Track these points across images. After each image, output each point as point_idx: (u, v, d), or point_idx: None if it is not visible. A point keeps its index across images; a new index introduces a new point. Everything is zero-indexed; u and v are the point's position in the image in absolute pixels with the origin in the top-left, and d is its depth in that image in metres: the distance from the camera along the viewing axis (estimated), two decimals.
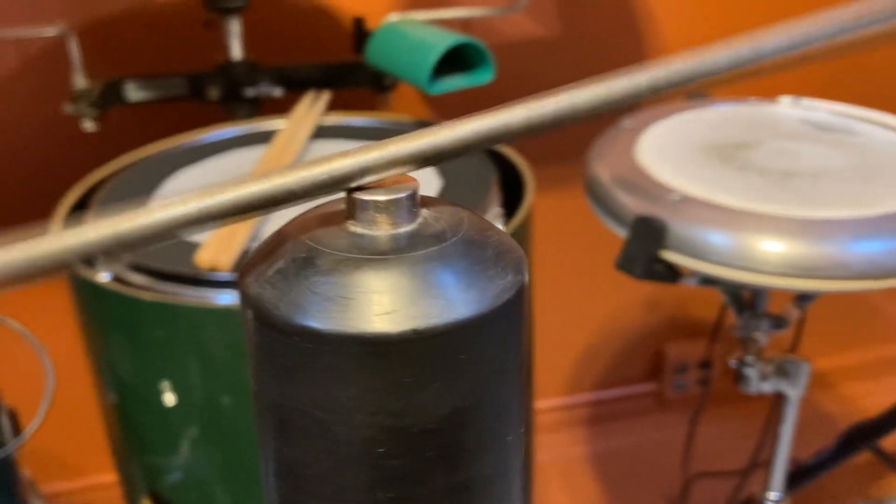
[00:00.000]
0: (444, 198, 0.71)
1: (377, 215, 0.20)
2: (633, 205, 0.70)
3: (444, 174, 0.76)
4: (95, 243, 0.18)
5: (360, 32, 0.92)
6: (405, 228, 0.20)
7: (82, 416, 0.89)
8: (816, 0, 0.32)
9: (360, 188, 0.21)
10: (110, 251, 0.19)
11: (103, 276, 0.63)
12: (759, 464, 1.11)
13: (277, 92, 0.91)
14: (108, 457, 0.77)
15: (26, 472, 0.76)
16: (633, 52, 1.16)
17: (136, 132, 0.88)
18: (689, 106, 0.88)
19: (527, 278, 0.21)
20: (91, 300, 0.65)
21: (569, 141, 1.16)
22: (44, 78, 0.94)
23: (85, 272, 0.63)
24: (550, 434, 1.39)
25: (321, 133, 0.85)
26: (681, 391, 1.44)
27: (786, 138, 0.79)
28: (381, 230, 0.20)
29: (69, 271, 0.66)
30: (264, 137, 0.84)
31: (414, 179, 0.22)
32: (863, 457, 1.35)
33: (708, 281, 0.71)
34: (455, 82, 0.84)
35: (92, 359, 0.69)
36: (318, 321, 0.19)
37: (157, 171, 0.77)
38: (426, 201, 0.22)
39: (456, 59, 0.83)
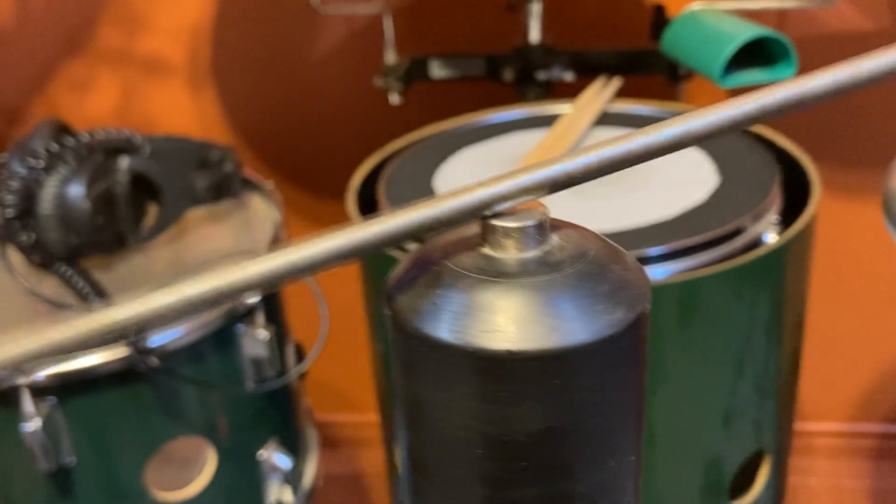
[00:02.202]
0: (714, 198, 0.68)
1: (505, 240, 0.21)
2: None
3: (723, 170, 0.73)
4: (394, 233, 0.21)
5: (659, 20, 0.91)
6: (529, 254, 0.21)
7: (360, 358, 0.99)
8: None
9: (495, 214, 0.22)
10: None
11: None
12: None
13: (569, 76, 0.93)
14: (375, 398, 0.85)
15: (307, 400, 0.86)
16: None
17: (434, 108, 0.95)
18: None
19: (645, 314, 0.21)
20: (372, 260, 0.72)
21: (871, 142, 1.05)
22: (361, 52, 1.04)
23: None
24: (827, 460, 1.29)
25: (606, 120, 0.85)
26: None
27: None
28: (508, 254, 0.21)
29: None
30: (549, 121, 0.86)
31: (543, 206, 0.23)
32: None
33: None
34: (751, 77, 0.80)
35: (367, 310, 0.77)
36: (431, 328, 0.20)
37: (443, 147, 0.82)
38: (560, 227, 0.23)
39: (757, 52, 0.79)
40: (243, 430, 0.68)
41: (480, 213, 0.22)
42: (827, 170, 0.81)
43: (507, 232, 0.22)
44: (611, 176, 0.77)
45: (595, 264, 0.21)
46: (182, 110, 1.12)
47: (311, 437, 0.80)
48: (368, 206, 0.76)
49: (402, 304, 0.21)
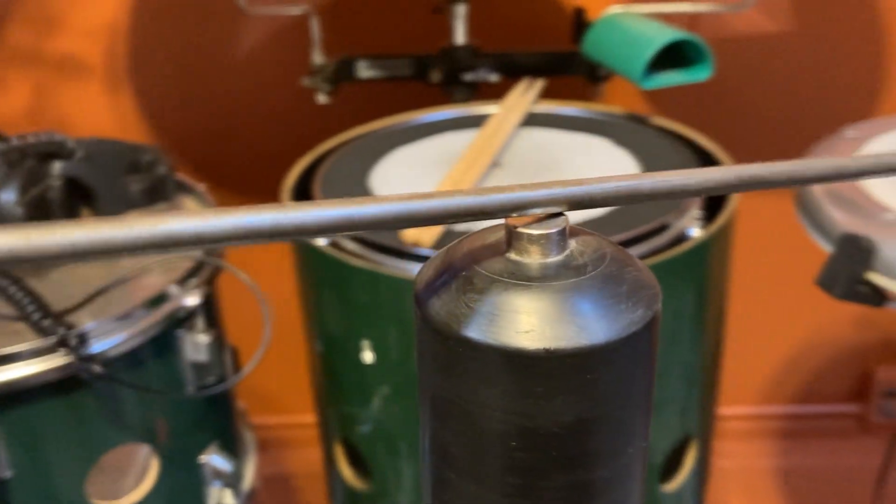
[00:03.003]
0: None
1: (530, 246, 0.23)
2: (843, 220, 0.67)
3: (646, 168, 0.76)
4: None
5: (579, 22, 0.94)
6: (553, 259, 0.23)
7: (293, 360, 0.98)
8: None
9: (518, 222, 0.24)
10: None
11: (321, 241, 0.70)
12: None
13: (494, 77, 0.95)
14: (310, 399, 0.85)
15: (240, 403, 0.86)
16: (870, 55, 1.09)
17: (361, 108, 0.96)
18: None
19: (658, 312, 0.23)
20: (309, 261, 0.72)
21: (784, 142, 1.11)
22: (288, 53, 1.04)
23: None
24: (737, 442, 1.35)
25: (531, 120, 0.88)
26: (887, 418, 1.34)
27: None
28: (533, 259, 0.23)
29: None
30: (477, 121, 0.88)
31: (564, 216, 0.24)
32: None
33: None
34: (670, 78, 0.83)
35: (305, 311, 0.77)
36: (470, 331, 0.22)
37: (376, 147, 0.83)
38: (577, 233, 0.25)
39: (674, 55, 0.82)
40: (184, 435, 0.67)
41: (512, 213, 0.24)
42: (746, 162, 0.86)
43: (532, 239, 0.23)
44: (537, 172, 0.79)
45: (613, 267, 0.23)
46: (98, 111, 1.10)
47: (248, 439, 0.80)
48: None
49: (436, 308, 0.23)
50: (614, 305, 0.22)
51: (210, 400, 0.69)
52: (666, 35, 0.81)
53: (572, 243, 0.24)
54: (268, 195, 0.96)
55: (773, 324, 1.28)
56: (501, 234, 0.25)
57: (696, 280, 0.69)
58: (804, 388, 1.36)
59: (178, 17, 1.05)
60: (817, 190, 0.72)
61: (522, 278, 0.22)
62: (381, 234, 0.68)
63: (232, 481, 0.71)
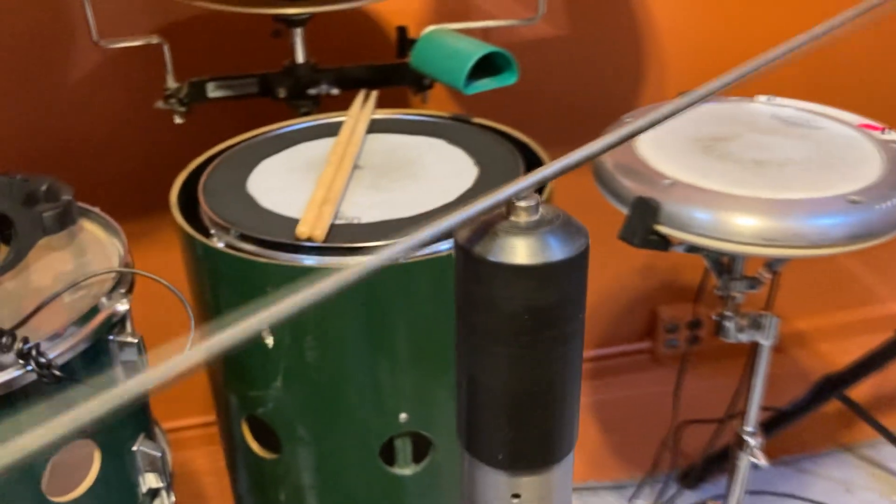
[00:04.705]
0: (480, 182, 0.87)
1: (520, 213, 0.38)
2: (633, 187, 0.87)
3: (481, 163, 0.93)
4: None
5: (402, 39, 1.09)
6: (532, 218, 0.39)
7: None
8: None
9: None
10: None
11: (219, 243, 0.81)
12: (740, 411, 1.29)
13: (335, 90, 1.08)
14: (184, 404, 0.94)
15: None
16: (633, 50, 1.33)
17: (218, 125, 1.06)
18: (680, 103, 1.04)
19: (587, 243, 0.40)
20: (208, 261, 0.82)
21: (581, 132, 1.33)
22: (145, 79, 1.11)
23: (205, 240, 0.81)
24: None
25: (375, 126, 1.02)
26: (672, 349, 1.62)
27: (759, 132, 0.97)
28: (521, 219, 0.39)
29: (188, 239, 0.83)
30: (328, 129, 1.01)
31: (537, 195, 0.40)
32: (834, 406, 1.54)
33: (693, 249, 0.88)
34: (486, 84, 1.01)
35: (202, 308, 0.87)
36: (493, 257, 0.38)
37: (247, 158, 0.94)
38: (542, 205, 0.41)
39: (485, 64, 1.00)
40: (120, 429, 0.76)
41: (509, 202, 0.39)
42: (555, 151, 1.05)
43: (521, 208, 0.39)
44: (394, 171, 0.95)
45: (563, 221, 0.39)
46: None
47: (160, 430, 0.89)
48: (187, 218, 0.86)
49: (475, 248, 0.38)
50: (566, 239, 0.38)
51: None
52: (481, 49, 0.98)
53: (541, 209, 0.40)
54: (140, 211, 1.06)
55: None
56: (503, 209, 0.40)
57: None
58: (605, 333, 1.61)
59: (30, 48, 1.09)
60: (609, 165, 0.92)
61: (518, 229, 0.38)
62: (273, 232, 0.80)
63: (160, 466, 0.80)
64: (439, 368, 0.82)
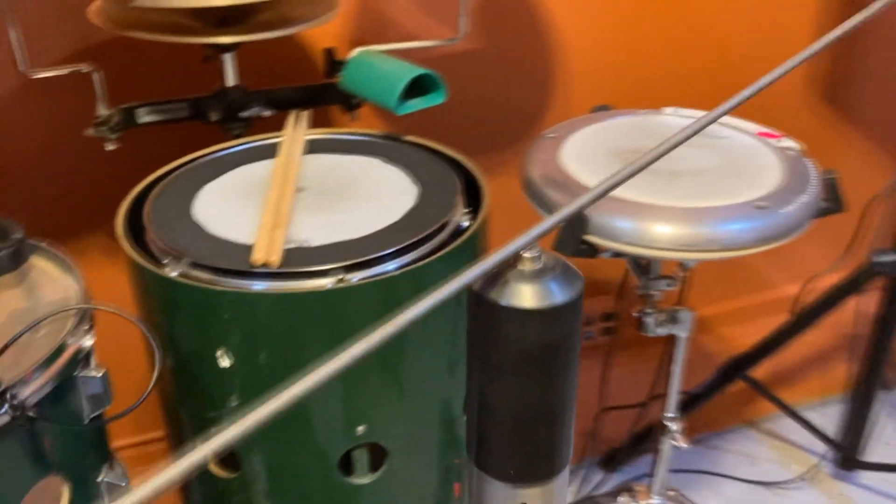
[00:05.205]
0: (423, 201, 0.92)
1: (526, 262, 0.44)
2: (563, 201, 0.94)
3: (420, 181, 0.98)
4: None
5: (330, 60, 1.12)
6: (537, 267, 0.44)
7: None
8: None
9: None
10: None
11: (173, 273, 0.83)
12: (658, 395, 1.38)
13: (268, 112, 1.11)
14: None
15: None
16: (541, 59, 1.40)
17: (152, 150, 1.07)
18: (596, 118, 1.12)
19: (583, 287, 0.45)
20: (161, 291, 0.84)
21: (502, 141, 1.40)
22: (75, 108, 1.11)
23: (158, 270, 0.83)
24: None
25: (311, 147, 1.05)
26: (589, 340, 1.71)
27: None
28: (527, 267, 0.44)
29: (138, 269, 0.85)
30: (264, 151, 1.03)
31: (538, 247, 0.45)
32: (738, 386, 1.66)
33: (618, 255, 0.95)
34: (416, 104, 1.06)
35: (154, 335, 0.88)
36: (504, 301, 0.43)
37: (189, 185, 0.96)
38: (544, 254, 0.46)
39: (414, 84, 1.04)
40: (85, 460, 0.77)
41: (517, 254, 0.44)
42: (489, 166, 1.10)
43: (526, 258, 0.44)
44: (336, 191, 0.99)
45: (562, 268, 0.44)
46: None
47: (117, 458, 0.90)
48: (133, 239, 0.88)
49: (488, 294, 0.43)
50: (565, 285, 0.44)
51: (97, 426, 0.80)
52: (411, 71, 1.02)
53: (544, 257, 0.45)
54: (84, 237, 1.06)
55: None
56: (510, 259, 0.46)
57: (470, 258, 0.92)
58: None
59: None
60: (537, 179, 0.99)
61: (524, 276, 0.43)
62: (227, 259, 0.82)
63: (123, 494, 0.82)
64: (394, 380, 0.87)
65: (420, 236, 0.86)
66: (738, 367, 1.62)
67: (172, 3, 0.97)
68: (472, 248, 0.91)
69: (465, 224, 0.92)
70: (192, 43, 1.00)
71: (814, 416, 1.77)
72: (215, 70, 1.08)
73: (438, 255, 0.85)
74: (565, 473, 0.49)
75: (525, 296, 0.44)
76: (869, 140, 1.74)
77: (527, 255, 0.45)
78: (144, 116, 1.08)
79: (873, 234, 1.84)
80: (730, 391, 1.66)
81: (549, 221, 0.45)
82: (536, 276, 0.45)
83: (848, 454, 1.59)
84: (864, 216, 1.67)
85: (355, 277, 0.81)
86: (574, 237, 0.91)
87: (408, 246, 0.86)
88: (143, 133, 1.09)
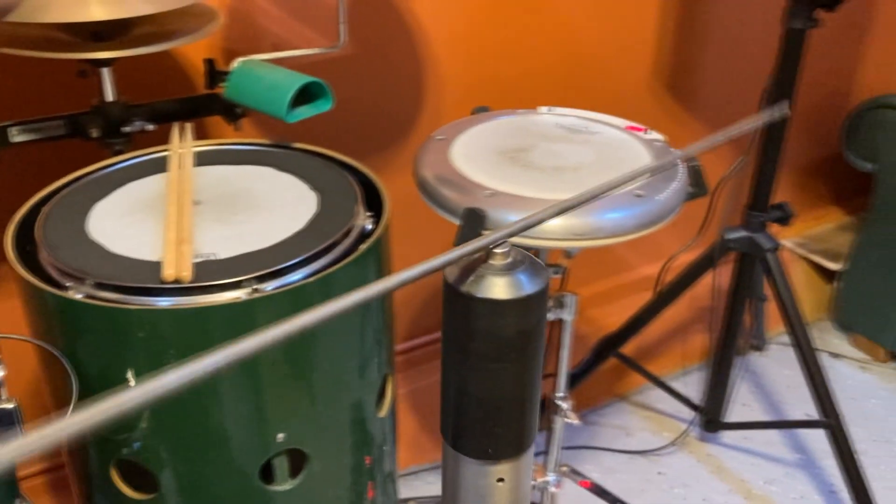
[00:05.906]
0: (324, 207, 0.94)
1: (497, 256, 0.47)
2: (459, 200, 0.98)
3: (317, 188, 0.99)
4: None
5: (211, 70, 1.12)
6: (506, 261, 0.48)
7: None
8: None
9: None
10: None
11: (77, 295, 0.81)
12: (547, 375, 1.45)
13: (150, 126, 1.09)
14: None
15: None
16: (415, 64, 1.44)
17: (26, 169, 1.02)
18: (479, 119, 1.17)
19: (549, 280, 0.49)
20: (65, 313, 0.82)
21: (391, 143, 1.43)
22: None
23: (60, 293, 0.80)
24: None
25: (200, 159, 1.04)
26: None
27: (551, 141, 1.11)
28: (498, 262, 0.47)
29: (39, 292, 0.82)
30: (152, 166, 1.02)
31: (508, 243, 0.49)
32: (610, 363, 1.77)
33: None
34: (305, 112, 1.07)
35: (55, 362, 0.86)
36: (478, 293, 0.46)
37: (79, 203, 0.93)
38: (513, 250, 0.49)
39: (301, 92, 1.06)
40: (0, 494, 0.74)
41: (488, 248, 0.47)
42: (374, 169, 1.12)
43: (497, 254, 0.47)
44: (234, 203, 1.00)
45: (529, 262, 0.48)
46: None
47: (23, 491, 0.87)
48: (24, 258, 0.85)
49: (461, 286, 0.46)
50: (533, 277, 0.47)
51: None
52: (299, 80, 1.04)
53: (512, 252, 0.49)
54: None
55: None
56: (483, 253, 0.49)
57: (377, 261, 0.95)
58: (413, 325, 1.72)
59: None
60: (431, 179, 1.02)
61: (496, 269, 0.47)
62: (133, 277, 0.81)
63: None
64: (311, 385, 0.88)
65: (328, 242, 0.88)
66: (609, 345, 1.72)
67: (44, 18, 0.94)
68: (380, 250, 0.94)
69: (369, 227, 0.94)
70: (69, 58, 0.97)
71: (678, 385, 1.91)
72: (92, 86, 1.05)
73: (348, 260, 0.87)
74: (532, 446, 0.54)
75: (499, 288, 0.48)
76: (710, 126, 1.89)
77: (498, 250, 0.49)
78: (18, 136, 1.03)
79: (722, 214, 2.01)
80: (602, 368, 1.77)
81: (498, 234, 0.48)
82: (507, 269, 0.49)
83: (712, 417, 1.73)
84: (714, 198, 1.81)
85: (268, 287, 0.82)
86: (473, 233, 0.96)
87: (316, 253, 0.87)
88: (18, 152, 1.04)
